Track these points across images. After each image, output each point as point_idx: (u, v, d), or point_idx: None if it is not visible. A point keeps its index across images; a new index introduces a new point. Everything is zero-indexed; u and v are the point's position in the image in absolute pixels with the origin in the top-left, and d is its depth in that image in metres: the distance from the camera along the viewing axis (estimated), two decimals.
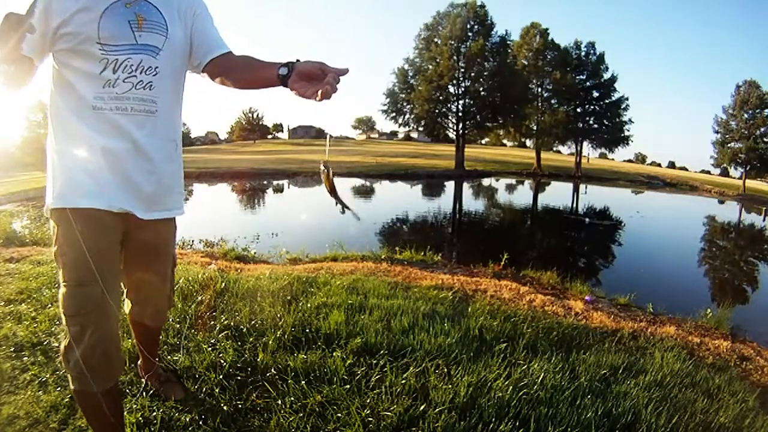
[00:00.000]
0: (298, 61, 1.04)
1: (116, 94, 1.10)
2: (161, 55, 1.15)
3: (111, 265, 1.16)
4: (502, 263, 4.69)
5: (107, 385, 1.16)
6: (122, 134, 1.12)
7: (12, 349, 1.85)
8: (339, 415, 1.49)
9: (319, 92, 0.96)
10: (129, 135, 1.13)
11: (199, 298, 2.44)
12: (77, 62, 1.07)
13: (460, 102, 27.35)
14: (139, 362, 1.63)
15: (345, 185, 18.55)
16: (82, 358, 1.09)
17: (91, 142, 1.10)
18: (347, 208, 1.20)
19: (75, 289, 1.09)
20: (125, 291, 1.38)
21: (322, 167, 1.14)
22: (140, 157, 1.15)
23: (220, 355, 1.82)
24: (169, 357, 1.81)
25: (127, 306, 1.41)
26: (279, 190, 17.40)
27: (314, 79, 1.00)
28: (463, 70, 26.42)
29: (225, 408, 1.51)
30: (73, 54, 1.07)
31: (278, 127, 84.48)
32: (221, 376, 1.67)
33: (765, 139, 27.97)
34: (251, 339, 1.97)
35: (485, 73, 26.54)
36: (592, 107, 30.40)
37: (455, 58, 26.06)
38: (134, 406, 1.47)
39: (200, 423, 1.44)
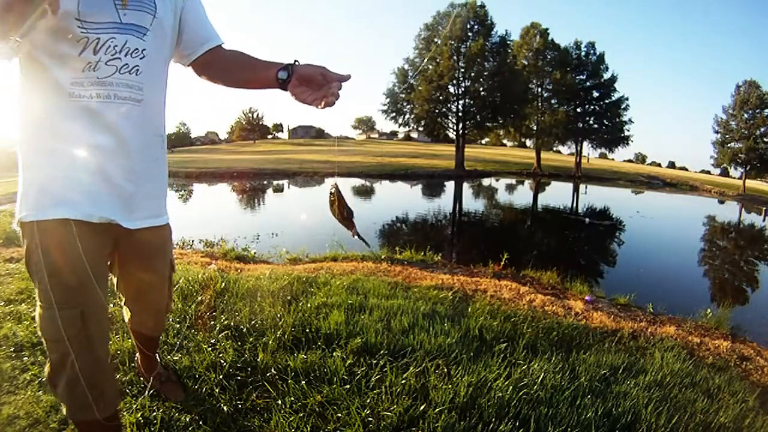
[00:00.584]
0: (296, 62, 1.00)
1: (98, 79, 0.94)
2: (149, 36, 1.01)
3: (95, 283, 1.01)
4: (502, 263, 4.69)
5: (102, 415, 1.05)
6: (105, 127, 0.97)
7: (12, 349, 1.85)
8: (339, 415, 1.49)
9: (323, 101, 0.95)
10: (113, 128, 0.98)
11: (199, 298, 2.44)
12: (52, 42, 0.91)
13: (460, 102, 27.35)
14: (136, 356, 1.62)
15: (345, 185, 18.55)
16: (67, 388, 1.00)
17: (68, 137, 0.95)
18: (360, 237, 1.14)
19: (52, 311, 0.97)
20: (123, 300, 1.32)
21: (332, 189, 1.08)
22: (125, 154, 1.01)
23: (220, 355, 1.82)
24: (169, 357, 1.81)
25: (126, 314, 1.36)
26: (279, 190, 17.39)
27: (314, 84, 0.97)
28: (463, 70, 26.42)
29: (225, 408, 1.51)
30: (47, 32, 0.90)
31: (278, 127, 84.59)
32: (221, 376, 1.67)
33: (765, 139, 27.98)
34: (251, 339, 1.96)
35: (485, 73, 26.53)
36: (592, 107, 30.39)
37: (455, 58, 26.06)
38: (134, 406, 1.47)
39: (200, 423, 1.44)
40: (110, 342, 1.82)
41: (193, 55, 1.13)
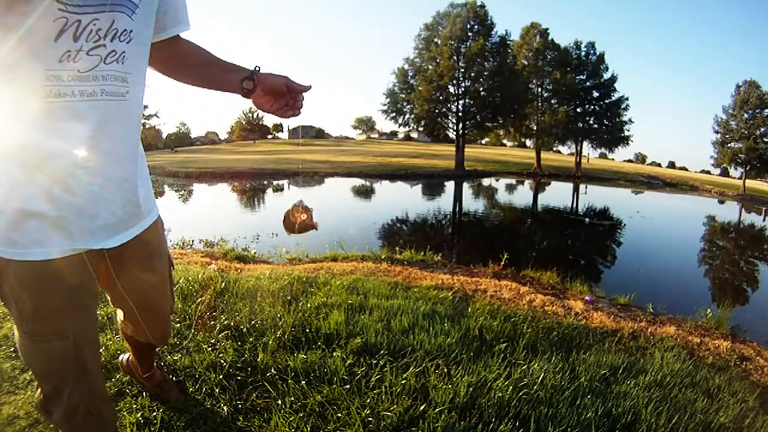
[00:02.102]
0: (257, 68, 1.01)
1: (79, 73, 0.75)
2: (138, 13, 0.82)
3: (82, 307, 0.91)
4: (502, 263, 4.69)
5: None
6: (89, 131, 0.79)
7: (12, 349, 1.85)
8: (339, 415, 1.49)
9: (289, 112, 1.02)
10: (99, 131, 0.80)
11: (199, 298, 2.44)
12: (20, 24, 0.71)
13: (460, 102, 27.35)
14: (126, 358, 1.55)
15: (345, 185, 18.56)
16: (64, 418, 0.94)
17: (43, 148, 0.76)
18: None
19: (36, 344, 0.87)
20: (122, 314, 1.19)
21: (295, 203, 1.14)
22: (113, 160, 0.85)
23: (220, 355, 1.82)
24: (169, 357, 1.81)
25: (123, 325, 1.25)
26: (279, 190, 17.39)
27: (278, 94, 1.02)
28: (463, 70, 26.42)
29: (225, 408, 1.51)
30: (13, 11, 0.71)
31: (278, 127, 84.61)
32: (221, 376, 1.67)
33: (765, 139, 27.98)
34: (251, 339, 1.96)
35: (485, 73, 26.53)
36: (592, 107, 30.38)
37: (455, 58, 26.06)
38: (134, 406, 1.47)
39: (200, 423, 1.44)
40: (110, 342, 1.82)
41: (159, 35, 0.95)
